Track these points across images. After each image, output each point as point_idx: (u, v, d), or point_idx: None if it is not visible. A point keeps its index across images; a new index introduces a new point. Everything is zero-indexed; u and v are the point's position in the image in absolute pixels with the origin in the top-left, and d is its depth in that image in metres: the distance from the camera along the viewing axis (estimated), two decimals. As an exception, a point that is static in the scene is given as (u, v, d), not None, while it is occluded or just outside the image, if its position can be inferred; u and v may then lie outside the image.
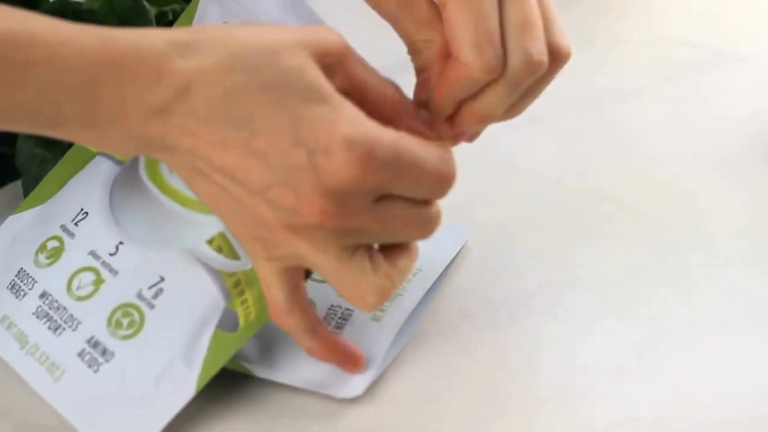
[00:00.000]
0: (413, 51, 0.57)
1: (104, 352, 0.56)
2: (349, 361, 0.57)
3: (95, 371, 0.56)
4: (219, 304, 0.56)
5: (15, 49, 0.48)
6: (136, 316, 0.56)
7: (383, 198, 0.52)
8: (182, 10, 0.78)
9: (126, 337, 0.56)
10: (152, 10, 0.72)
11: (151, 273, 0.57)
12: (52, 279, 0.59)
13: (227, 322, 0.56)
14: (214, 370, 0.56)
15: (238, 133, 0.49)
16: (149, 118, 0.50)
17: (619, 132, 0.76)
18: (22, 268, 0.60)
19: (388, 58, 0.83)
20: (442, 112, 0.56)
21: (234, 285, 0.56)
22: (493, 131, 0.77)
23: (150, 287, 0.57)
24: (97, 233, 0.59)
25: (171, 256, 0.56)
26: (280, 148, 0.49)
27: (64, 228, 0.60)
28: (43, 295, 0.58)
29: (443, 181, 0.53)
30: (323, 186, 0.50)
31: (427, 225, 0.54)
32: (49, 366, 0.56)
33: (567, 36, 0.56)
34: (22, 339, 0.58)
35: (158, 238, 0.57)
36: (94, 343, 0.56)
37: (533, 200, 0.70)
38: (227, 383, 0.58)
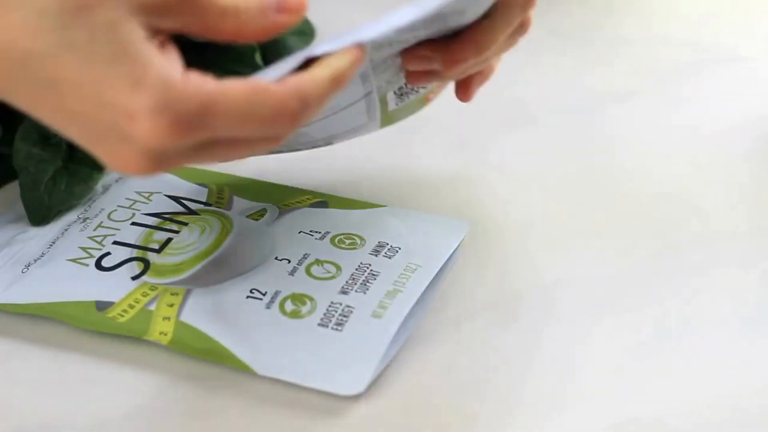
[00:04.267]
0: None
1: None
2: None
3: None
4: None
5: None
6: None
7: (213, 141, 0.50)
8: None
9: None
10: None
11: None
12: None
13: None
14: None
15: (47, 95, 0.49)
16: None
17: (618, 132, 0.76)
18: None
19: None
20: None
21: None
22: (493, 131, 0.77)
23: None
24: None
25: None
26: (89, 111, 0.48)
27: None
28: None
29: (280, 123, 0.50)
30: (135, 147, 0.49)
31: (271, 144, 0.51)
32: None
33: None
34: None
35: None
36: None
37: (532, 200, 0.70)
38: (228, 380, 0.58)
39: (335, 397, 0.57)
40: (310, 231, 0.65)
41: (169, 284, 0.62)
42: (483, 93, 0.80)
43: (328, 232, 0.65)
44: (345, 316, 0.60)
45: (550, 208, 0.70)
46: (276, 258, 0.63)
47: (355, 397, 0.57)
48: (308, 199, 0.68)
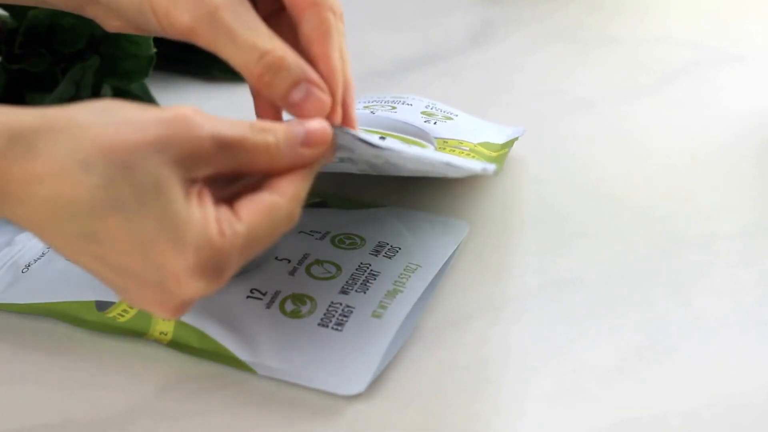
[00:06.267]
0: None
1: None
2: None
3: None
4: None
5: None
6: None
7: None
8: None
9: None
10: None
11: None
12: None
13: None
14: None
15: (87, 244, 0.49)
16: None
17: (618, 132, 0.76)
18: None
19: (392, 57, 0.84)
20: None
21: None
22: (492, 132, 0.77)
23: None
24: None
25: None
26: (131, 265, 0.49)
27: None
28: None
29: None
30: (176, 300, 0.51)
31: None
32: None
33: None
34: None
35: None
36: None
37: (532, 200, 0.70)
38: (228, 380, 0.58)
39: (335, 397, 0.57)
40: (310, 231, 0.65)
41: None
42: (477, 92, 0.80)
43: (328, 232, 0.65)
44: (345, 316, 0.60)
45: (550, 208, 0.70)
46: (276, 258, 0.63)
47: (355, 397, 0.57)
48: (308, 199, 0.68)
